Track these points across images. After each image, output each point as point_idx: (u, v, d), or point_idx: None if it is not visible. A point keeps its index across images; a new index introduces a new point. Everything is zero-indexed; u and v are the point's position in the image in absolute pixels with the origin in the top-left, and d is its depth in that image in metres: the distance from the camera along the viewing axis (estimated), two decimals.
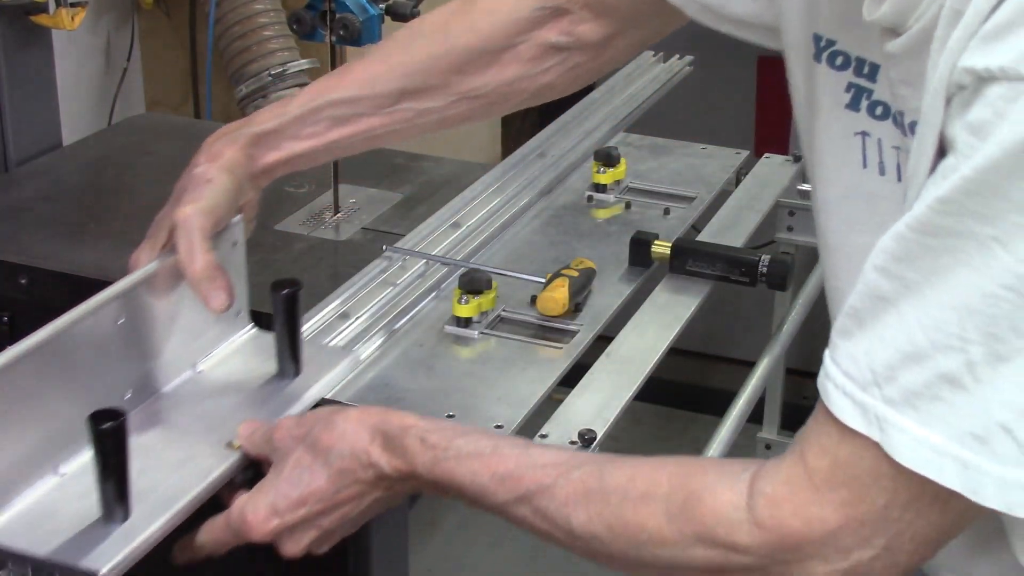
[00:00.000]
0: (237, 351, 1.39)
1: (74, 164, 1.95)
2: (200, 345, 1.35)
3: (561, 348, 1.47)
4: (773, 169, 2.02)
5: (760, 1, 1.18)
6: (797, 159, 2.04)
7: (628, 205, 1.83)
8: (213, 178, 1.29)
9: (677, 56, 2.34)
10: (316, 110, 1.35)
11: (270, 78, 2.46)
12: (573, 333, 1.50)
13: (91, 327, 1.20)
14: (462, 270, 1.55)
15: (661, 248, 1.64)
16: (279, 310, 1.31)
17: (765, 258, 1.60)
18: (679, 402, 3.48)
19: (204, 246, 1.22)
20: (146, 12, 2.61)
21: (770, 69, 3.39)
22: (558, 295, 1.49)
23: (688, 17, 1.24)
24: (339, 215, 1.85)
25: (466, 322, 1.49)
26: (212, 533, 1.18)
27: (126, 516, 1.11)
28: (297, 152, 1.36)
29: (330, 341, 1.44)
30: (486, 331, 1.50)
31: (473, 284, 1.50)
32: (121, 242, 1.67)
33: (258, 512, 1.14)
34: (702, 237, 1.74)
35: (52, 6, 1.86)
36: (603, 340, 1.50)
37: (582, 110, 2.10)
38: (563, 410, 1.34)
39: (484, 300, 1.50)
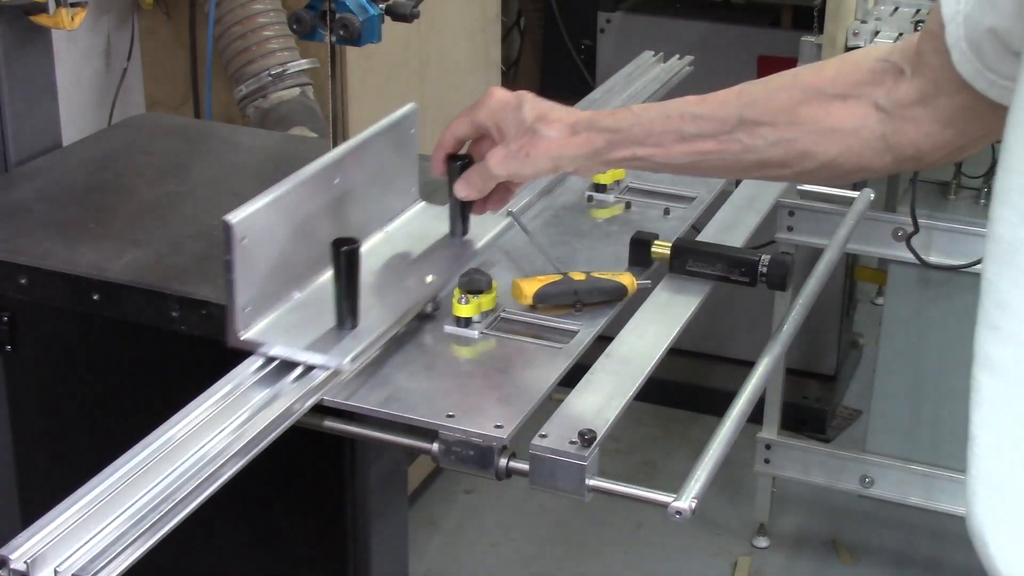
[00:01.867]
0: (413, 218, 1.70)
1: (74, 164, 1.95)
2: (386, 211, 1.67)
3: (561, 348, 1.47)
4: None
5: None
6: None
7: (628, 205, 1.83)
8: (531, 157, 1.44)
9: (677, 56, 2.34)
10: (668, 118, 1.38)
11: (270, 78, 2.46)
12: (573, 333, 1.50)
13: (319, 181, 1.50)
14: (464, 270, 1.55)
15: (661, 248, 1.64)
16: (452, 177, 1.56)
17: (765, 258, 1.60)
18: (679, 402, 3.49)
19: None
20: (146, 12, 2.62)
21: (770, 69, 3.39)
22: (525, 286, 1.53)
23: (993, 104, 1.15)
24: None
25: (466, 322, 1.49)
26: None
27: (355, 324, 1.42)
28: (639, 156, 1.41)
29: None
30: (486, 331, 1.50)
31: (473, 284, 1.50)
32: (121, 242, 1.68)
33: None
34: (702, 237, 1.74)
35: (52, 6, 1.86)
36: (603, 340, 1.50)
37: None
38: (563, 410, 1.34)
39: (484, 300, 1.50)
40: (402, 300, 1.50)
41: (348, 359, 1.37)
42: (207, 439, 1.25)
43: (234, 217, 1.37)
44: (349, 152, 1.57)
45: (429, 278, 1.54)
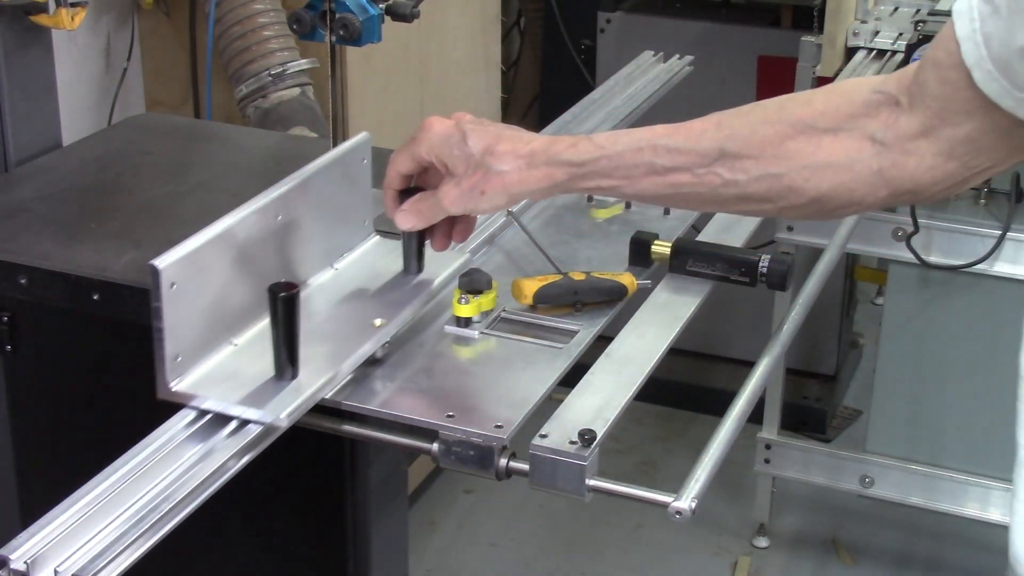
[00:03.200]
0: (365, 253, 1.61)
1: (74, 164, 1.95)
2: (335, 246, 1.58)
3: (561, 348, 1.47)
4: None
5: None
6: None
7: (628, 205, 1.83)
8: (487, 195, 1.36)
9: (677, 56, 2.34)
10: (638, 151, 1.31)
11: (270, 78, 2.46)
12: (573, 333, 1.50)
13: (258, 220, 1.42)
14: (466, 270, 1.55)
15: (661, 248, 1.64)
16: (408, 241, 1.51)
17: (765, 258, 1.60)
18: (679, 402, 3.49)
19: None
20: (146, 12, 2.62)
21: (770, 69, 3.40)
22: (526, 286, 1.52)
23: (1006, 131, 1.12)
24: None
25: (466, 322, 1.49)
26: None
27: (295, 375, 1.34)
28: (603, 188, 1.35)
29: None
30: (486, 331, 1.50)
31: (473, 284, 1.50)
32: (121, 242, 1.68)
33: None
34: (702, 237, 1.74)
35: (52, 6, 1.86)
36: (603, 340, 1.50)
37: (582, 110, 2.10)
38: (563, 410, 1.34)
39: (484, 300, 1.50)
40: (347, 347, 1.40)
41: (284, 414, 1.29)
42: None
43: (162, 262, 1.29)
44: (292, 188, 1.47)
45: (378, 321, 1.45)
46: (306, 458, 1.58)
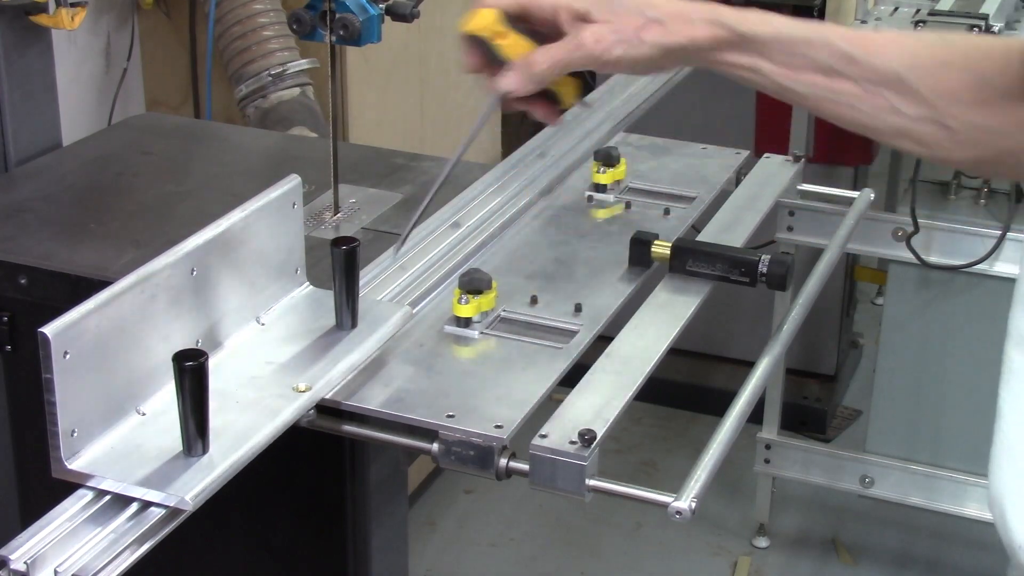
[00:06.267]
0: (295, 306, 1.48)
1: (74, 164, 1.95)
2: (262, 299, 1.45)
3: (561, 348, 1.47)
4: (773, 169, 2.02)
5: None
6: (797, 159, 2.04)
7: (628, 205, 1.83)
8: (646, 42, 1.23)
9: None
10: (811, 43, 1.21)
11: (270, 78, 2.46)
12: (573, 333, 1.50)
13: (168, 276, 1.31)
14: (462, 270, 1.55)
15: (661, 248, 1.64)
16: (338, 265, 1.40)
17: (765, 258, 1.60)
18: (679, 402, 3.48)
19: None
20: (146, 12, 2.62)
21: None
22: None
23: None
24: (339, 215, 1.85)
25: (466, 322, 1.49)
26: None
27: (205, 449, 1.22)
28: (761, 69, 1.24)
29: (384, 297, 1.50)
30: (486, 331, 1.50)
31: (473, 284, 1.50)
32: (121, 242, 1.68)
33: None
34: (702, 237, 1.74)
35: (52, 6, 1.86)
36: (603, 340, 1.50)
37: (582, 110, 2.10)
38: (563, 410, 1.34)
39: (484, 300, 1.50)
40: (265, 416, 1.29)
41: (190, 495, 1.17)
42: None
43: (52, 329, 1.16)
44: (207, 239, 1.36)
45: (302, 385, 1.33)
46: (306, 458, 1.58)
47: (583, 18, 1.23)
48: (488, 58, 1.26)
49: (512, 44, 1.25)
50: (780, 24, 1.22)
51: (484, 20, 1.25)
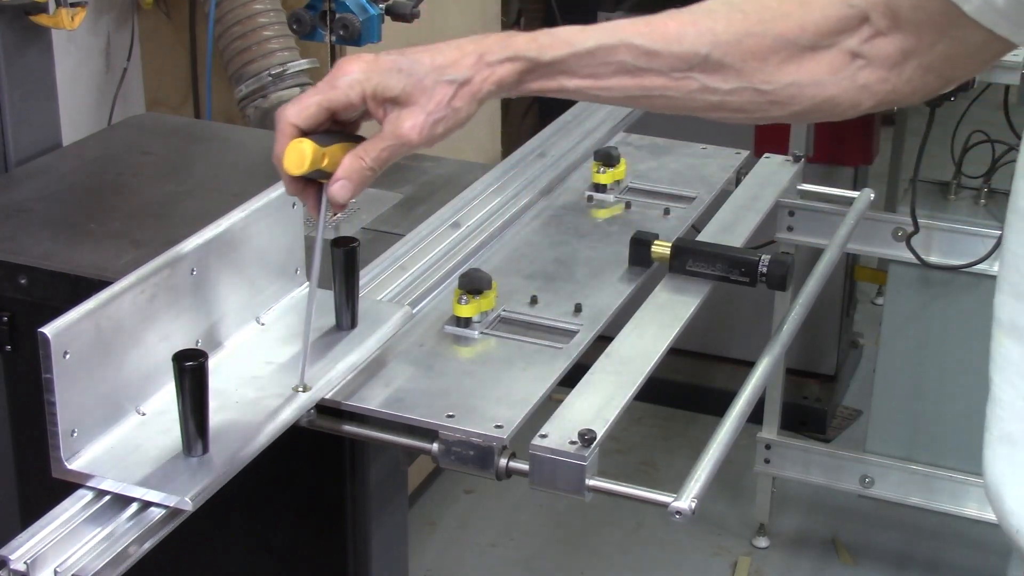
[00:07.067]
0: (295, 306, 1.48)
1: (74, 164, 1.95)
2: (262, 299, 1.46)
3: (561, 348, 1.47)
4: (773, 169, 2.02)
5: None
6: (797, 159, 2.04)
7: (628, 205, 1.84)
8: (460, 107, 1.24)
9: None
10: (610, 49, 1.23)
11: (270, 78, 2.46)
12: (573, 333, 1.50)
13: (168, 276, 1.31)
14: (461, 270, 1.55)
15: (661, 248, 1.64)
16: (338, 265, 1.40)
17: (765, 258, 1.60)
18: (679, 402, 3.48)
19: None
20: (146, 12, 2.61)
21: None
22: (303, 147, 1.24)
23: (982, 45, 1.13)
24: (339, 215, 1.85)
25: (466, 322, 1.49)
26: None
27: (205, 449, 1.22)
28: (567, 88, 1.26)
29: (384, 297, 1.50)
30: (486, 331, 1.50)
31: (473, 284, 1.50)
32: (121, 242, 1.68)
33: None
34: (702, 237, 1.74)
35: (52, 6, 1.86)
36: (603, 340, 1.50)
37: (582, 110, 2.10)
38: (563, 410, 1.34)
39: (484, 300, 1.50)
40: (265, 417, 1.29)
41: (190, 496, 1.17)
42: None
43: (52, 329, 1.17)
44: (207, 239, 1.36)
45: (300, 387, 1.34)
46: (306, 458, 1.58)
47: (393, 102, 1.23)
48: (318, 179, 1.25)
49: (333, 158, 1.23)
50: (576, 38, 1.24)
51: (303, 156, 1.21)
